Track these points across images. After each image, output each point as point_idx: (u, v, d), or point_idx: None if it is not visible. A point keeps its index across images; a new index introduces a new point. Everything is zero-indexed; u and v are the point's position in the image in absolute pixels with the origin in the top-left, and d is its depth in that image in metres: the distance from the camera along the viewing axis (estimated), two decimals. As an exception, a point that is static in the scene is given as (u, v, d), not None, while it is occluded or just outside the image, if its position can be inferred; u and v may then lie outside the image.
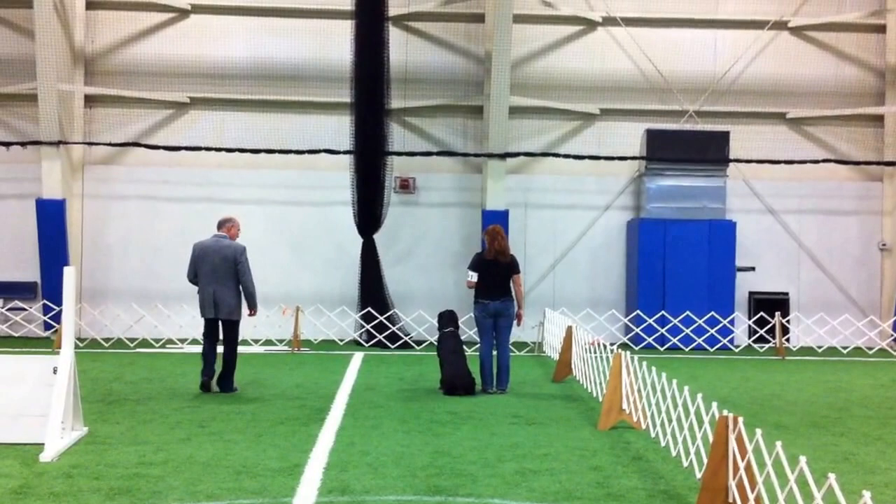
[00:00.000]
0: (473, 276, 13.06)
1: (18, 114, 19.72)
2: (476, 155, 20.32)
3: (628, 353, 10.03)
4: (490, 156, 19.78)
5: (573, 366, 13.75)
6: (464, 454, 8.51)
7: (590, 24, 20.80)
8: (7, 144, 19.08)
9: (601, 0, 20.60)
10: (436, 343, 14.17)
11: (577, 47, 20.91)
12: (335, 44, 19.74)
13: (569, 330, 13.91)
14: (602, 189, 20.70)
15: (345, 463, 8.10)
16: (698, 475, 7.17)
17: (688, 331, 18.90)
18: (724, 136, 20.04)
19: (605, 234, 20.73)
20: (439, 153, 20.28)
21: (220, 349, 12.43)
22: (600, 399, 11.09)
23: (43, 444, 8.25)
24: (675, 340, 18.92)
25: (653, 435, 9.08)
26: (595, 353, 11.99)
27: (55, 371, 8.69)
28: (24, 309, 19.11)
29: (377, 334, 18.59)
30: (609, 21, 20.68)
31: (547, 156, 20.44)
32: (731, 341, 19.36)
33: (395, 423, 10.17)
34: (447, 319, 13.68)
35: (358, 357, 16.83)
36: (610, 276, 20.63)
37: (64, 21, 19.43)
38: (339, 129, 19.48)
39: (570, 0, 20.69)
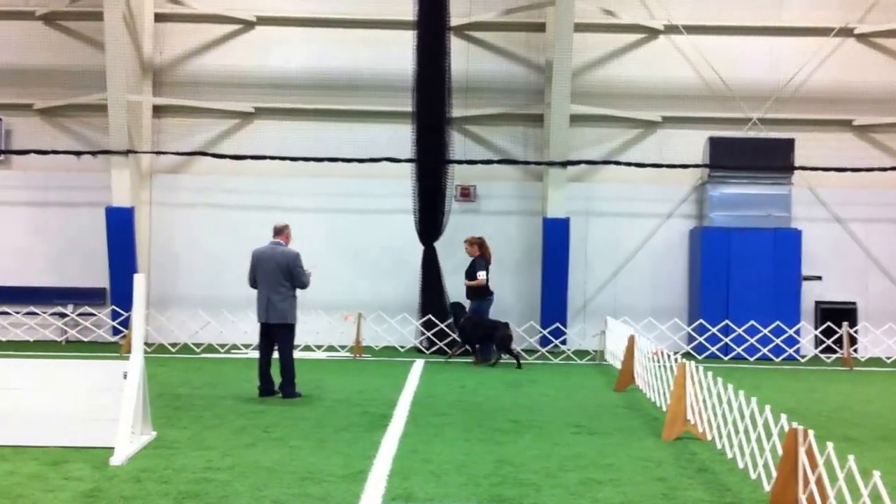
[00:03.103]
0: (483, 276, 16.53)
1: (89, 124, 20.14)
2: (537, 163, 20.29)
3: (693, 362, 9.95)
4: (551, 164, 19.74)
5: (635, 375, 13.65)
6: (526, 463, 8.51)
7: (651, 32, 20.67)
8: (78, 153, 19.49)
9: (662, 8, 20.45)
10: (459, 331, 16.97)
11: (638, 55, 20.78)
12: (397, 54, 19.84)
13: (631, 339, 13.83)
14: (664, 197, 20.53)
15: (408, 470, 8.15)
16: (766, 488, 7.09)
17: (752, 340, 18.64)
18: (788, 144, 19.75)
19: (666, 243, 20.55)
20: (500, 161, 20.27)
21: (275, 355, 12.61)
22: (664, 409, 11.02)
23: (113, 447, 8.42)
24: (739, 350, 18.68)
25: (718, 446, 8.98)
26: (658, 362, 11.90)
27: (125, 376, 8.87)
28: (94, 314, 19.50)
29: (438, 341, 18.64)
30: (671, 29, 20.52)
31: (608, 164, 20.33)
32: (797, 351, 19.06)
33: (457, 430, 10.20)
34: (460, 308, 17.09)
35: (419, 364, 16.90)
36: (672, 285, 20.44)
37: (133, 33, 19.83)
38: (401, 138, 19.56)
39: (632, 9, 20.57)
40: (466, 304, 17.56)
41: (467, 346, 17.42)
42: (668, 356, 11.41)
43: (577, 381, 15.19)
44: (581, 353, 18.48)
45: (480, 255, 17.55)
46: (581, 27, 19.75)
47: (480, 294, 17.47)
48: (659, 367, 11.82)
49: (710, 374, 9.39)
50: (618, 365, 15.33)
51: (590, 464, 8.55)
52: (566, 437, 9.95)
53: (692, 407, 9.66)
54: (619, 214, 20.63)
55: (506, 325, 17.07)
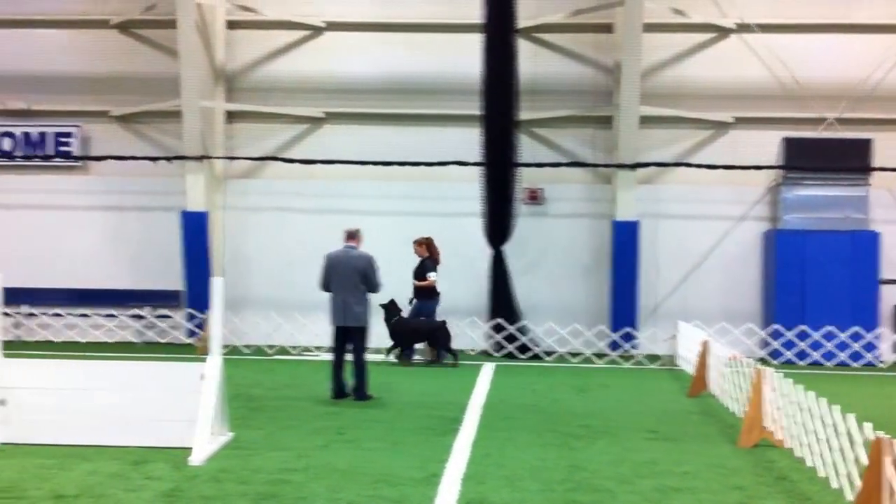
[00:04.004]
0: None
1: (164, 130, 20.53)
2: (606, 165, 20.15)
3: (771, 369, 9.79)
4: (620, 166, 19.59)
5: (709, 380, 13.47)
6: (600, 469, 8.46)
7: (722, 32, 20.39)
8: (154, 159, 19.87)
9: (734, 7, 20.17)
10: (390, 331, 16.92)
11: (709, 55, 20.52)
12: (464, 57, 19.84)
13: (704, 344, 13.65)
14: (736, 199, 20.23)
15: (481, 474, 8.16)
16: (849, 497, 6.95)
17: (830, 346, 18.29)
18: (866, 144, 19.35)
19: (739, 246, 20.24)
20: (568, 164, 20.19)
21: (348, 357, 12.70)
22: (740, 416, 10.86)
23: (191, 448, 8.56)
24: (816, 356, 18.33)
25: (798, 454, 8.82)
26: (733, 367, 11.73)
27: (203, 378, 9.01)
28: (169, 316, 19.88)
29: (507, 345, 18.62)
30: (742, 28, 20.21)
31: (679, 166, 20.10)
32: (877, 357, 18.65)
33: (530, 435, 10.18)
34: (393, 308, 17.05)
35: (489, 367, 16.90)
36: (745, 289, 20.11)
37: (206, 40, 20.17)
38: (469, 141, 19.56)
39: (702, 8, 20.32)
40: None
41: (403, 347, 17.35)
42: (744, 362, 11.24)
43: (648, 386, 15.06)
44: (652, 358, 18.31)
45: (430, 256, 17.39)
46: (650, 27, 19.55)
47: (428, 294, 17.38)
48: (734, 372, 11.65)
49: (788, 380, 9.22)
50: (690, 370, 15.15)
51: (665, 470, 8.46)
52: (640, 442, 9.87)
53: (770, 414, 9.50)
54: (690, 217, 20.38)
55: (442, 323, 17.08)
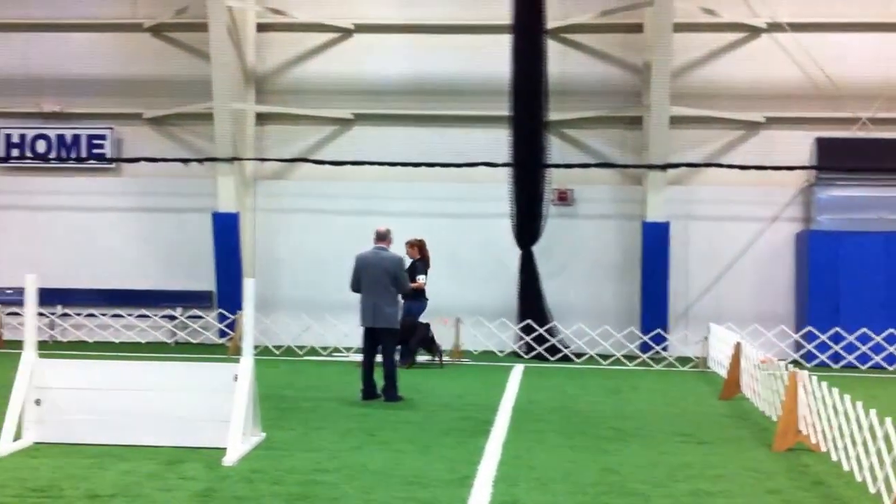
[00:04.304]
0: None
1: (195, 132, 20.68)
2: (635, 166, 20.07)
3: (806, 372, 9.70)
4: (650, 167, 19.50)
5: (742, 383, 13.38)
6: (633, 472, 8.42)
7: (753, 31, 20.25)
8: (186, 161, 20.01)
9: (765, 6, 20.03)
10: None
11: (740, 54, 20.38)
12: (493, 58, 19.86)
13: (737, 346, 13.55)
14: (768, 200, 20.07)
15: (513, 477, 8.14)
16: (886, 502, 6.87)
17: (864, 348, 18.11)
18: (900, 144, 19.17)
19: (771, 247, 20.09)
20: (597, 165, 20.12)
21: (378, 358, 12.72)
22: (774, 419, 10.78)
23: (224, 448, 8.60)
24: (850, 358, 18.15)
25: (834, 458, 8.72)
26: (766, 370, 11.64)
27: (236, 378, 9.05)
28: (201, 317, 20.02)
29: (537, 346, 18.58)
30: (774, 27, 20.06)
31: (710, 166, 19.99)
32: (914, 360, 18.47)
33: (561, 437, 10.15)
34: None
35: (518, 369, 16.87)
36: (777, 291, 19.96)
37: (237, 43, 20.29)
38: (497, 142, 19.56)
39: (733, 7, 20.17)
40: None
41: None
42: (778, 364, 11.15)
43: (680, 388, 14.97)
44: (683, 360, 18.21)
45: (420, 258, 17.14)
46: (680, 27, 19.46)
47: (416, 296, 17.05)
48: (767, 375, 11.55)
49: (823, 383, 9.14)
50: (722, 372, 15.05)
51: (699, 474, 8.41)
52: (673, 445, 9.81)
53: (805, 418, 9.41)
54: (722, 218, 20.26)
55: (426, 325, 16.91)
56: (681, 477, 8.27)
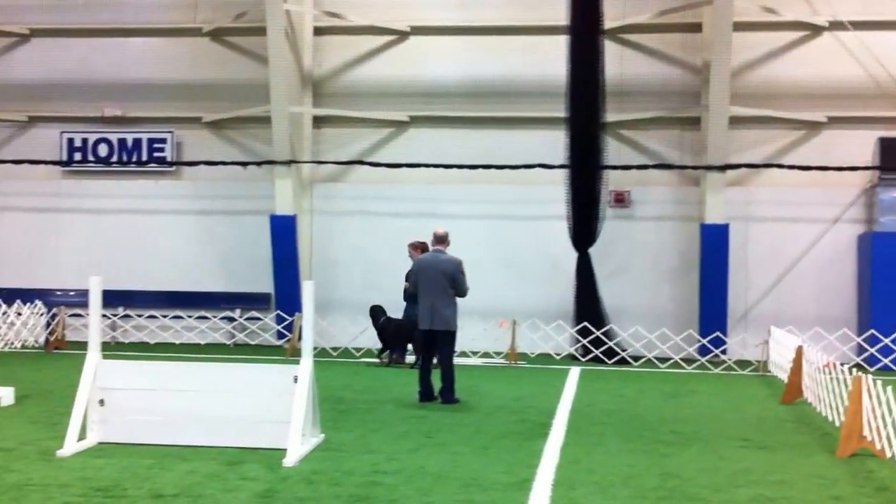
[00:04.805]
0: None
1: (253, 135, 20.92)
2: (694, 167, 19.87)
3: (869, 375, 9.53)
4: (709, 168, 19.30)
5: (804, 387, 13.17)
6: (693, 477, 8.33)
7: (814, 30, 19.95)
8: (244, 164, 20.29)
9: (826, 4, 19.72)
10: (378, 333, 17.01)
11: (800, 53, 20.11)
12: (550, 59, 19.81)
13: (799, 350, 13.34)
14: (829, 201, 19.75)
15: (572, 480, 8.10)
16: (955, 510, 6.73)
17: (929, 352, 17.76)
18: (966, 143, 18.76)
19: (833, 249, 19.77)
20: (655, 166, 19.97)
21: (436, 360, 12.74)
22: (837, 424, 10.60)
23: (284, 449, 8.66)
24: (914, 361, 17.82)
25: (899, 464, 8.58)
26: (829, 374, 11.45)
27: (296, 380, 9.13)
28: (260, 318, 20.23)
29: (594, 349, 18.47)
30: (835, 25, 19.75)
31: (770, 167, 19.74)
32: (980, 363, 18.04)
33: (619, 441, 10.08)
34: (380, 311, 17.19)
35: (575, 372, 16.79)
36: (839, 293, 19.63)
37: (294, 47, 20.48)
38: (553, 144, 19.50)
39: (793, 5, 19.90)
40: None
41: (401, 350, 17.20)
42: (841, 368, 10.96)
43: (739, 392, 14.79)
44: (742, 364, 17.97)
45: None
46: (740, 26, 19.25)
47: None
48: (830, 379, 11.37)
49: (888, 387, 8.96)
50: (783, 376, 14.84)
51: (760, 479, 8.30)
52: (733, 450, 9.69)
53: (869, 422, 9.24)
54: (782, 219, 19.99)
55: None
56: (742, 482, 8.16)
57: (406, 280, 17.42)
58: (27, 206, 21.60)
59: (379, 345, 17.41)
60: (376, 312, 17.31)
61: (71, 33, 21.57)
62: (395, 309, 17.00)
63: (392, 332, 17.02)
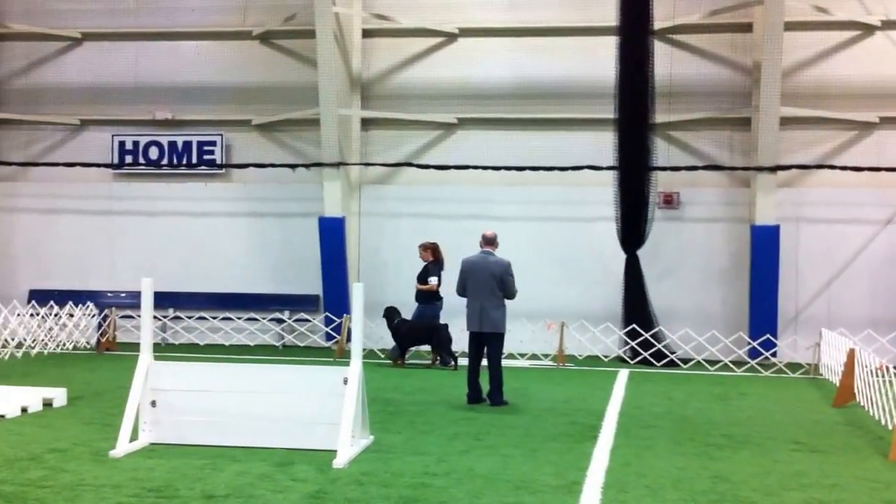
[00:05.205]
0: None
1: (302, 138, 21.04)
2: (744, 168, 19.67)
3: (924, 380, 9.40)
4: (759, 169, 19.09)
5: (856, 390, 13.00)
6: (745, 480, 8.28)
7: (867, 29, 19.64)
8: (293, 166, 20.42)
9: (879, 3, 19.41)
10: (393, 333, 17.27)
11: (852, 53, 19.80)
12: (598, 60, 19.72)
13: (851, 353, 13.17)
14: (883, 202, 19.43)
15: (622, 483, 8.08)
16: None
17: (984, 355, 17.40)
18: None
19: (887, 250, 19.44)
20: (705, 167, 19.79)
21: (484, 362, 12.75)
22: (889, 427, 10.45)
23: (334, 450, 8.73)
24: (968, 365, 17.48)
25: (955, 469, 8.45)
26: (883, 377, 11.29)
27: (345, 381, 9.19)
28: (308, 320, 20.36)
29: (642, 351, 18.36)
30: (888, 24, 19.42)
31: (821, 168, 19.48)
32: None
33: (669, 444, 10.04)
34: (395, 312, 17.45)
35: (623, 374, 16.72)
36: (892, 295, 19.21)
37: (343, 50, 20.58)
38: (602, 145, 19.41)
39: (845, 4, 19.62)
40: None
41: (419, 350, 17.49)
42: (894, 371, 10.80)
43: (790, 395, 14.63)
44: (793, 366, 17.75)
45: (434, 261, 17.41)
46: (790, 25, 19.00)
47: (429, 298, 17.35)
48: (883, 382, 11.20)
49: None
50: (834, 379, 14.65)
51: (813, 483, 8.22)
52: (785, 453, 9.60)
53: (925, 427, 9.11)
54: (833, 221, 19.71)
55: (445, 326, 16.97)
56: (794, 486, 8.09)
57: (417, 281, 17.61)
58: (79, 208, 21.92)
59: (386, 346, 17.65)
60: (391, 314, 17.50)
61: (122, 37, 21.83)
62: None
63: (406, 333, 17.17)
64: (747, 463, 9.07)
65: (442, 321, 17.29)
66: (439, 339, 16.99)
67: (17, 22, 21.92)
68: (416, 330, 17.15)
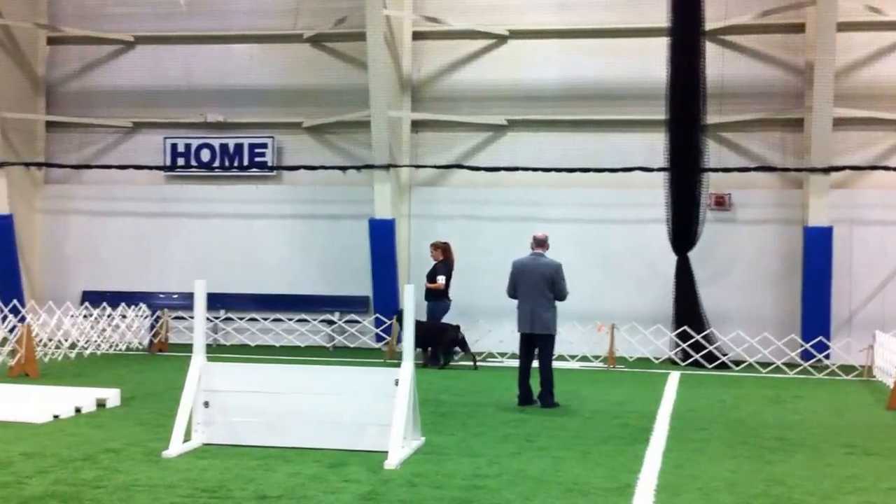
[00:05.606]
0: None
1: (353, 140, 21.17)
2: (797, 170, 19.46)
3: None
4: (812, 170, 18.87)
5: (912, 394, 12.81)
6: (799, 484, 8.20)
7: (921, 29, 19.39)
8: (343, 168, 20.55)
9: (936, 1, 19.15)
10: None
11: (907, 53, 19.55)
12: (648, 61, 19.61)
13: (907, 356, 12.99)
14: (939, 203, 19.17)
15: (675, 486, 8.05)
16: None
17: None
18: None
19: (943, 252, 19.17)
20: (756, 169, 19.61)
21: (534, 364, 12.75)
22: (948, 432, 10.30)
23: (385, 451, 8.78)
24: None
25: None
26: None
27: (397, 383, 9.24)
28: (358, 321, 20.47)
29: (693, 353, 18.23)
30: (944, 24, 19.17)
31: (875, 169, 19.22)
32: None
33: (722, 447, 9.97)
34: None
35: (674, 376, 16.61)
36: (949, 297, 19.02)
37: (393, 52, 20.68)
38: (652, 147, 19.29)
39: (900, 4, 19.37)
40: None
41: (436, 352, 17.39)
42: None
43: (843, 397, 14.45)
44: (846, 369, 17.52)
45: (443, 261, 17.64)
46: (843, 26, 18.79)
47: (438, 296, 17.53)
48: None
49: None
50: (889, 382, 14.44)
51: (869, 487, 8.13)
52: (839, 457, 9.50)
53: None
54: (888, 222, 19.46)
55: (456, 327, 17.13)
56: (849, 489, 8.01)
57: (426, 279, 17.68)
58: (131, 210, 22.21)
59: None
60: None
61: (174, 40, 22.10)
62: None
63: (422, 335, 17.14)
64: (801, 466, 8.98)
65: (454, 322, 17.58)
66: (449, 340, 17.13)
67: (71, 26, 22.31)
68: (433, 331, 17.29)
